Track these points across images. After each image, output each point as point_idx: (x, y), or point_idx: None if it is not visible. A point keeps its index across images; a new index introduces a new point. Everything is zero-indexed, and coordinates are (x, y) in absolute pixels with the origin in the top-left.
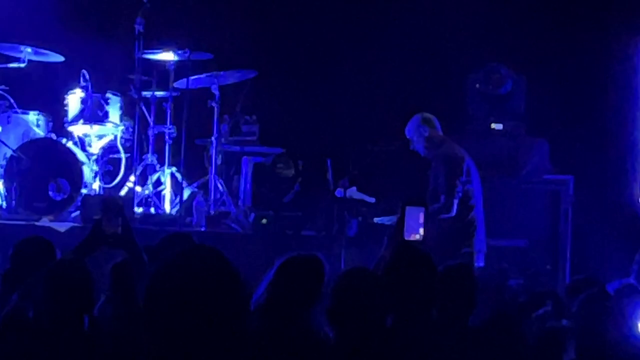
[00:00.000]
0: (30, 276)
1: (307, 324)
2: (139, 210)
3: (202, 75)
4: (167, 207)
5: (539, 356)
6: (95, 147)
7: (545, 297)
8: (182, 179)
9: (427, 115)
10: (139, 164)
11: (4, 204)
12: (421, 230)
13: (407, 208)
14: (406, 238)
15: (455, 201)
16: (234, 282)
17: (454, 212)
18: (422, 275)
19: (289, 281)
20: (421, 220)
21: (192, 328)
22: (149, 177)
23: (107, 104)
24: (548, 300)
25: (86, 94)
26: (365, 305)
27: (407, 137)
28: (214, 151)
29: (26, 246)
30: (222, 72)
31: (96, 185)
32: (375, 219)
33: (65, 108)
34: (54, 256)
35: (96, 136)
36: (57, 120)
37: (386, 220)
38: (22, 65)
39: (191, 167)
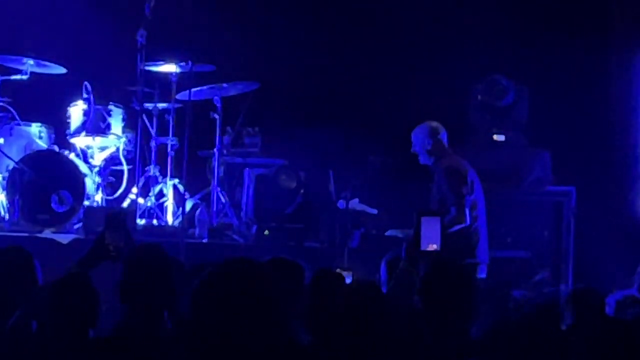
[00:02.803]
0: (6, 287)
1: (284, 328)
2: (141, 222)
3: (204, 87)
4: (169, 218)
5: (536, 322)
6: (98, 159)
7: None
8: (185, 191)
9: (436, 125)
10: (141, 176)
11: (7, 216)
12: (438, 240)
13: (423, 218)
14: (423, 249)
15: (467, 210)
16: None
17: (468, 222)
18: (461, 290)
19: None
20: (438, 230)
21: None
22: (152, 188)
23: (110, 115)
24: (546, 268)
25: (88, 106)
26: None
27: (412, 141)
28: (216, 163)
29: (3, 257)
30: (224, 84)
31: (98, 197)
32: (388, 232)
33: (67, 120)
34: (32, 267)
35: (98, 148)
36: (60, 132)
37: (399, 233)
38: (25, 77)
39: (193, 179)
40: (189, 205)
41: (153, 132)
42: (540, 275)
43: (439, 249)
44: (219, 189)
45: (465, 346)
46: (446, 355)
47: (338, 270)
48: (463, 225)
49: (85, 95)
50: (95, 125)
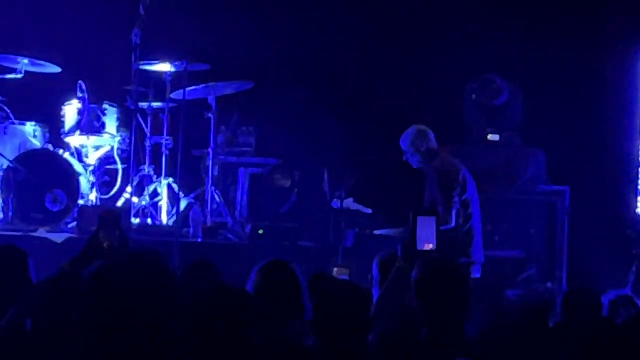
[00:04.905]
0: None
1: (285, 333)
2: (135, 221)
3: (198, 86)
4: (163, 217)
5: (525, 319)
6: (92, 158)
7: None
8: (179, 190)
9: (422, 127)
10: (135, 175)
11: (1, 215)
12: (434, 240)
13: (419, 218)
14: (419, 248)
15: (453, 212)
16: None
17: (452, 224)
18: (456, 288)
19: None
20: (433, 229)
21: None
22: (146, 187)
23: (104, 114)
24: (532, 264)
25: (83, 105)
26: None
27: (402, 148)
28: (210, 162)
29: None
30: (218, 83)
31: (93, 196)
32: (377, 231)
33: (62, 119)
34: (25, 266)
35: (93, 147)
36: (54, 131)
37: (390, 232)
38: (19, 76)
39: (188, 178)
40: (183, 204)
41: (147, 131)
42: (526, 273)
43: (434, 248)
44: (213, 188)
45: (461, 345)
46: (442, 354)
47: (335, 268)
48: (447, 227)
49: (79, 94)
50: (90, 124)
